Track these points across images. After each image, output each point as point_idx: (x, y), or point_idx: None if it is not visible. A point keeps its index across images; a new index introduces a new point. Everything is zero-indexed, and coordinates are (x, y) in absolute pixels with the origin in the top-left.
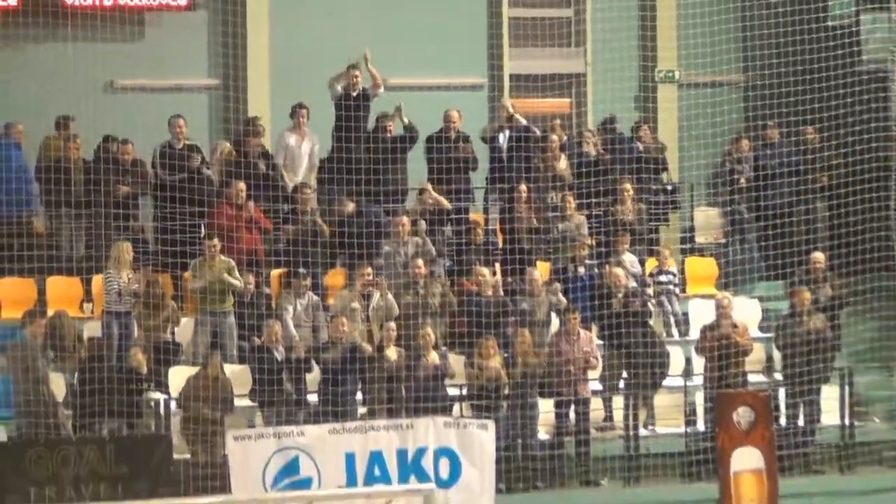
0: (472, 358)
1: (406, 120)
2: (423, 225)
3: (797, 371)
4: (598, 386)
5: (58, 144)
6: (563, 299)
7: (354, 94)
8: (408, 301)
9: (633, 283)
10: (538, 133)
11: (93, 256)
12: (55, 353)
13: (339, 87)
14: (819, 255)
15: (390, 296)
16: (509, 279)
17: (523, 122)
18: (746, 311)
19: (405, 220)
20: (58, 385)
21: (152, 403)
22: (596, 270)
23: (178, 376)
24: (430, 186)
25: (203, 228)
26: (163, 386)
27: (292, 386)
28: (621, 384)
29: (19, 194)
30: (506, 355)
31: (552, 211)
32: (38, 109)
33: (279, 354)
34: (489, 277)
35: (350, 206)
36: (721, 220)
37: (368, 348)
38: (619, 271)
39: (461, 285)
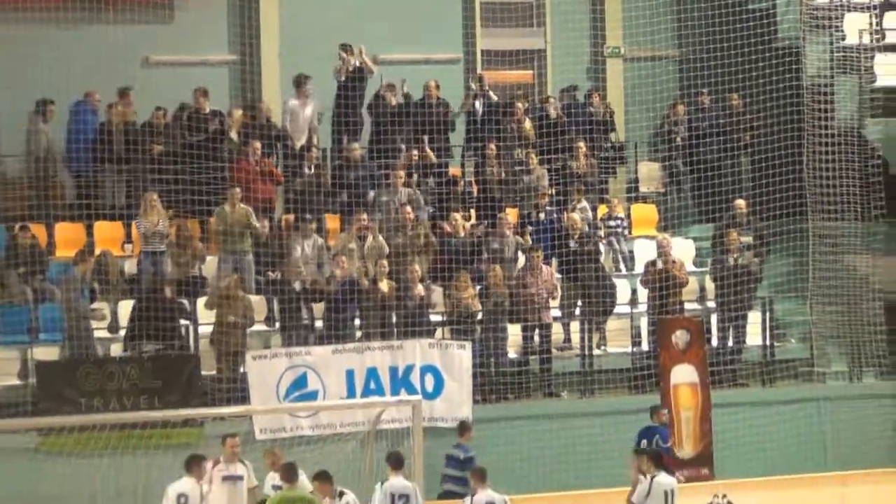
0: (451, 290)
1: (406, 90)
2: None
3: (726, 300)
4: (558, 313)
5: (116, 111)
6: (528, 240)
7: (350, 69)
8: (397, 242)
9: (586, 227)
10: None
11: (132, 205)
12: (101, 286)
13: (341, 76)
14: (741, 202)
15: (381, 237)
16: (482, 223)
17: (494, 98)
18: (683, 250)
19: (401, 173)
20: (104, 313)
21: (183, 329)
22: (555, 216)
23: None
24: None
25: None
26: (191, 313)
27: (304, 313)
28: (577, 311)
29: (94, 153)
30: (480, 287)
31: (518, 165)
32: (87, 83)
33: (297, 286)
34: (461, 221)
35: (356, 151)
36: (661, 173)
37: (364, 282)
38: (574, 216)
39: (442, 228)
